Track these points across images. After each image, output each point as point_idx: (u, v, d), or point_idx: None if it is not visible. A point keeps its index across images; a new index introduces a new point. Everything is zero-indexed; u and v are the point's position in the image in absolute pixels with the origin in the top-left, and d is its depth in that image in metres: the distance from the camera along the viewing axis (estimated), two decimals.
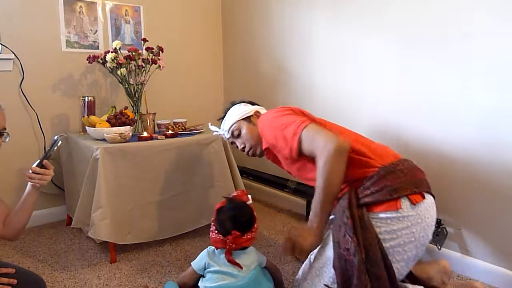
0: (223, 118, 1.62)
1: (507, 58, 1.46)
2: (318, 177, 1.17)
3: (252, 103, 1.62)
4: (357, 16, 1.97)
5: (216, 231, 1.38)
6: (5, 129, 1.27)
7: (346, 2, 2.02)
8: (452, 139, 1.64)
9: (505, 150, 1.50)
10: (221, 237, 1.36)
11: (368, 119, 1.95)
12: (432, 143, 1.71)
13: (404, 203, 1.14)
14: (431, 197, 1.23)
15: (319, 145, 1.18)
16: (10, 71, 2.11)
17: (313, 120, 1.37)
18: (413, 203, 1.14)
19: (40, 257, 1.86)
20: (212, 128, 1.69)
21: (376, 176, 1.19)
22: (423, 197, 1.18)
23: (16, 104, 2.14)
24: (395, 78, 1.84)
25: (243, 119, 1.54)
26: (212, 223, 1.41)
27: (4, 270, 1.16)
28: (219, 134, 1.66)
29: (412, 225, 1.13)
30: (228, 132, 1.57)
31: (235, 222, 1.35)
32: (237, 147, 1.59)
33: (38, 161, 1.29)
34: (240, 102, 1.61)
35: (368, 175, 1.21)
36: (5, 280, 1.13)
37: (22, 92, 2.15)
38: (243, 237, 1.34)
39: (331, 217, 1.29)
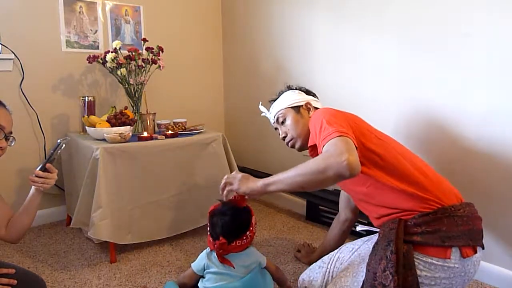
0: (274, 100, 1.54)
1: (507, 58, 1.46)
2: (307, 166, 1.06)
3: (308, 92, 1.53)
4: (357, 16, 1.97)
5: (209, 233, 1.38)
6: (11, 133, 1.28)
7: (346, 2, 2.02)
8: (452, 138, 1.64)
9: (505, 150, 1.50)
10: (212, 240, 1.35)
11: (368, 119, 1.94)
12: (432, 143, 1.71)
13: (454, 253, 1.06)
14: (481, 250, 1.14)
15: (338, 148, 1.03)
16: (10, 71, 2.11)
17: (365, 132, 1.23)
18: (463, 256, 1.06)
19: (40, 257, 1.86)
20: (261, 108, 1.58)
21: (432, 215, 1.08)
22: (475, 252, 1.09)
23: (16, 104, 2.14)
24: (395, 78, 1.84)
25: (291, 107, 1.45)
26: (208, 224, 1.40)
27: (5, 271, 1.16)
28: (266, 116, 1.56)
29: (454, 276, 1.06)
30: (274, 117, 1.50)
31: (223, 229, 1.31)
32: (279, 134, 1.51)
33: (41, 164, 1.29)
34: (296, 89, 1.53)
35: (422, 210, 1.10)
36: (5, 280, 1.13)
37: (22, 92, 2.15)
38: (232, 244, 1.31)
39: (369, 240, 1.25)
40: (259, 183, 1.18)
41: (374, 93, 1.93)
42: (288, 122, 1.44)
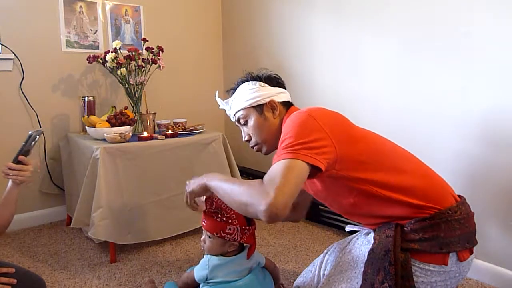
0: (234, 90, 1.30)
1: (508, 57, 1.46)
2: (240, 190, 0.98)
3: (271, 81, 1.27)
4: (357, 16, 1.97)
5: (246, 228, 1.26)
6: None
7: (346, 2, 2.02)
8: (452, 138, 1.64)
9: (506, 150, 1.50)
10: (251, 230, 1.28)
11: (368, 119, 1.95)
12: (432, 142, 1.71)
13: (451, 258, 1.03)
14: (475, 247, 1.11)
15: (270, 182, 0.91)
16: (10, 71, 2.11)
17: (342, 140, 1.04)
18: (460, 260, 1.03)
19: (40, 257, 1.86)
20: (218, 101, 1.36)
21: (429, 221, 1.02)
22: (471, 253, 1.07)
23: (16, 104, 2.14)
24: (395, 78, 1.84)
25: (253, 107, 1.23)
26: (236, 229, 1.25)
27: (4, 270, 1.15)
28: (224, 109, 1.35)
29: (449, 278, 1.05)
30: (234, 116, 1.30)
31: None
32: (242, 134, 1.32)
33: (14, 157, 1.26)
34: (257, 78, 1.27)
35: (419, 216, 1.04)
36: (4, 279, 1.13)
37: (22, 92, 2.15)
38: None
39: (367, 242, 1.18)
40: (202, 180, 1.16)
41: (374, 92, 1.93)
42: (251, 124, 1.24)
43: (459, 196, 1.13)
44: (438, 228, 1.02)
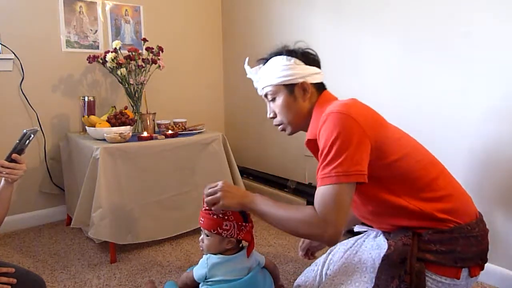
0: (266, 61, 1.22)
1: (508, 57, 1.46)
2: (293, 220, 1.02)
3: (308, 59, 1.17)
4: (357, 16, 1.97)
5: (243, 224, 1.28)
6: None
7: (346, 2, 2.02)
8: (452, 138, 1.64)
9: (505, 149, 1.50)
10: (248, 227, 1.29)
11: None
12: (432, 142, 1.71)
13: (463, 273, 1.02)
14: None
15: (326, 215, 0.95)
16: (10, 71, 2.12)
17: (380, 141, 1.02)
18: (471, 276, 1.03)
19: (40, 257, 1.86)
20: (247, 69, 1.30)
21: (448, 234, 1.01)
22: (482, 269, 1.06)
23: (16, 104, 2.14)
24: (395, 78, 1.84)
25: (284, 85, 1.15)
26: (233, 225, 1.26)
27: (4, 270, 1.15)
28: (251, 78, 1.28)
29: None
30: (262, 89, 1.22)
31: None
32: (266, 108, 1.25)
33: (7, 155, 1.25)
34: (293, 53, 1.17)
35: (438, 227, 1.03)
36: (4, 279, 1.13)
37: (22, 92, 2.15)
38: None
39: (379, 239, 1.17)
40: (243, 198, 1.16)
41: (374, 93, 1.93)
42: (279, 103, 1.17)
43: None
44: (455, 242, 1.01)
